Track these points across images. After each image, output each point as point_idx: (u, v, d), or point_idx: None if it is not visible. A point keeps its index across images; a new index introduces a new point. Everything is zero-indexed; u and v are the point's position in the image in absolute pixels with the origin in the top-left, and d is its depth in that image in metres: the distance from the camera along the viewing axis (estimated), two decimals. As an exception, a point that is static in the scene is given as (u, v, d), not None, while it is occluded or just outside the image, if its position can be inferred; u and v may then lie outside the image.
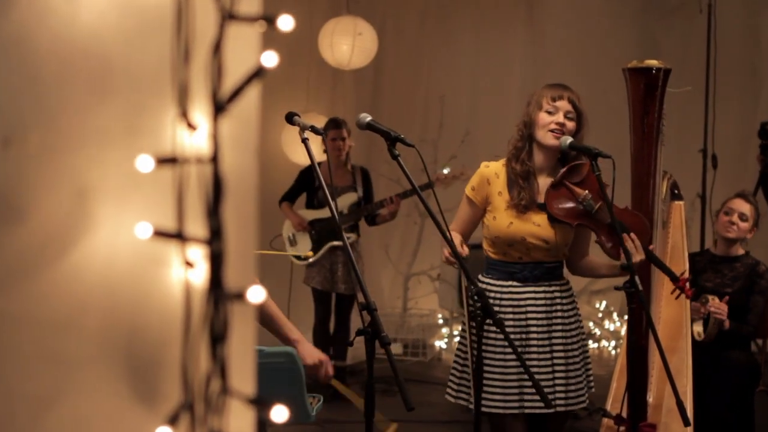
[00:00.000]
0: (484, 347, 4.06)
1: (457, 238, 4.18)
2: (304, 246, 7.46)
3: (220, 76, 1.24)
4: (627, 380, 4.17)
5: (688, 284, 4.52)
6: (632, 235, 4.04)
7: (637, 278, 3.91)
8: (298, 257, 7.49)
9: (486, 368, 4.06)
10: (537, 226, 4.11)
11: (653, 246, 4.40)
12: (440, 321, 9.64)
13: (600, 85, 7.96)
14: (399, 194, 7.34)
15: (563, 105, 4.09)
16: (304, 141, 3.52)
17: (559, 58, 9.77)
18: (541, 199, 4.14)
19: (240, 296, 1.23)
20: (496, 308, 4.07)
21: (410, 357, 9.16)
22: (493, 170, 4.21)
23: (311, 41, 8.63)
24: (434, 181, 7.30)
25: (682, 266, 5.18)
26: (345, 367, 7.76)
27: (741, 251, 5.68)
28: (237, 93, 1.25)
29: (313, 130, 3.54)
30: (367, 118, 3.60)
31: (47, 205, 1.41)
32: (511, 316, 4.12)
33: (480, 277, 4.25)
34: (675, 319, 5.02)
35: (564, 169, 4.10)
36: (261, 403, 1.25)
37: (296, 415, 3.19)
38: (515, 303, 4.15)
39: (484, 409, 4.04)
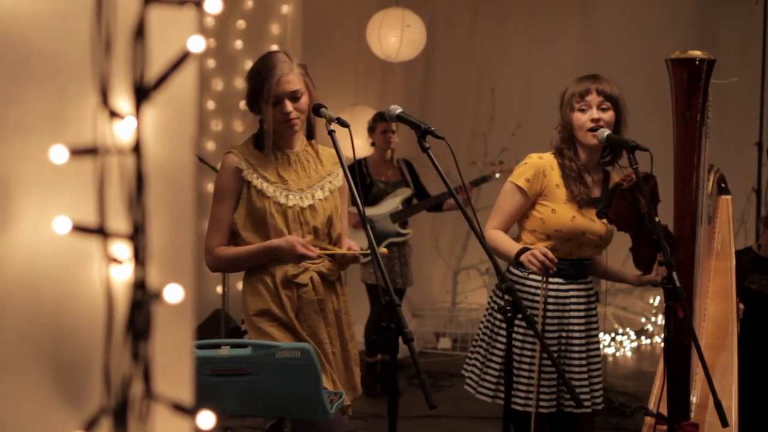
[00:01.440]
0: (521, 345, 4.04)
1: (504, 237, 4.09)
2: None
3: (142, 62, 1.18)
4: (663, 378, 4.07)
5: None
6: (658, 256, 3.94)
7: (675, 275, 3.81)
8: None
9: (523, 366, 4.04)
10: (592, 221, 4.06)
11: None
12: (490, 316, 9.57)
13: (655, 78, 7.80)
14: (471, 182, 7.30)
15: (593, 99, 4.02)
16: (331, 133, 3.48)
17: (613, 49, 9.67)
18: (594, 194, 4.09)
19: (160, 295, 1.17)
20: (541, 305, 4.02)
21: (459, 351, 9.11)
22: (547, 162, 4.12)
23: (360, 33, 8.60)
24: (491, 174, 7.29)
25: (729, 261, 5.07)
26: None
27: None
28: (162, 80, 1.19)
29: (339, 122, 3.50)
30: (398, 109, 3.55)
31: (-37, 200, 1.33)
32: (556, 314, 4.07)
33: (513, 269, 4.17)
34: (722, 315, 4.90)
35: (641, 176, 3.98)
36: (187, 409, 1.19)
37: (313, 411, 3.15)
38: (560, 301, 4.08)
39: (518, 407, 4.02)
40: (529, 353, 4.04)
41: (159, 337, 1.20)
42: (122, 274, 1.22)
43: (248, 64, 8.19)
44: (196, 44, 1.19)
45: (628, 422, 6.56)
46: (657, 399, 4.32)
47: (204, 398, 3.22)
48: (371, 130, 7.39)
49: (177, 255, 1.25)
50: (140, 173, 1.17)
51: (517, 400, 4.03)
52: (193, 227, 1.26)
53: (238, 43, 8.24)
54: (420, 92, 9.80)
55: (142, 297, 1.16)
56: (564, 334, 4.06)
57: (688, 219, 4.53)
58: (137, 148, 1.17)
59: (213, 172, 6.74)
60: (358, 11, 8.99)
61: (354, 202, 3.34)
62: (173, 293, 1.19)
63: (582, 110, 4.02)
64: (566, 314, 4.08)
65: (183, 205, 1.25)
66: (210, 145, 8.16)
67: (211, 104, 8.22)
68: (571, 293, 4.10)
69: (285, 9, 8.25)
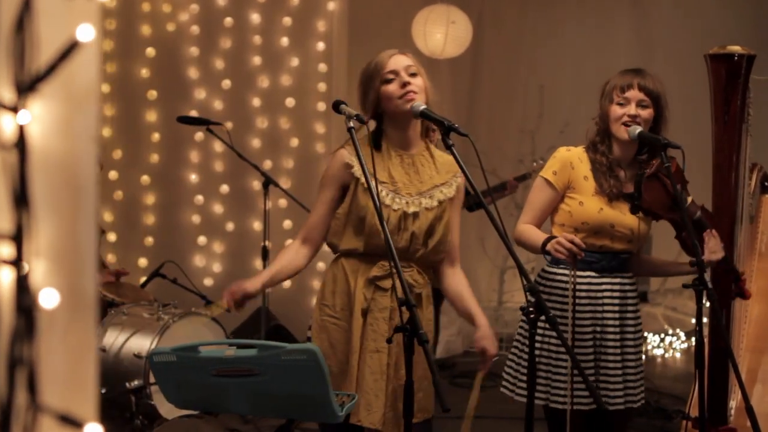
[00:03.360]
0: (556, 345, 3.99)
1: (533, 230, 4.03)
2: None
3: (29, 52, 1.12)
4: (695, 381, 3.97)
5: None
6: (713, 231, 3.89)
7: (706, 275, 3.72)
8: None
9: (554, 363, 4.00)
10: (623, 215, 3.99)
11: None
12: (536, 315, 9.48)
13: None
14: (516, 177, 7.20)
15: (634, 95, 3.94)
16: (350, 130, 3.41)
17: (665, 45, 9.55)
18: (626, 189, 4.01)
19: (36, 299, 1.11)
20: (570, 298, 3.96)
21: (504, 351, 8.98)
22: (576, 154, 4.07)
23: (405, 30, 8.53)
24: (531, 172, 7.19)
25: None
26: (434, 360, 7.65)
27: None
28: (49, 72, 1.13)
29: (358, 119, 3.43)
30: (421, 106, 3.53)
31: None
32: (588, 308, 4.00)
33: (546, 268, 4.10)
34: (764, 317, 4.77)
35: (659, 162, 3.93)
36: (75, 421, 1.13)
37: (322, 413, 3.10)
38: (592, 295, 4.01)
39: (553, 405, 4.00)
40: (564, 352, 3.96)
41: (52, 343, 1.15)
42: (7, 276, 1.16)
43: (294, 61, 8.16)
44: (86, 33, 1.13)
45: (671, 426, 6.44)
46: (692, 402, 4.22)
47: (212, 399, 3.19)
48: None
49: (75, 255, 1.19)
50: (24, 169, 1.11)
51: (558, 399, 4.00)
52: (95, 226, 1.20)
53: (284, 40, 8.21)
54: (467, 89, 9.72)
55: (26, 300, 1.11)
56: (598, 329, 4.01)
57: (726, 218, 4.43)
58: (21, 143, 1.11)
59: (256, 170, 6.71)
60: (404, 8, 8.93)
61: (372, 201, 3.26)
62: (48, 298, 1.13)
63: (620, 104, 3.95)
64: (599, 308, 4.02)
65: (82, 202, 1.19)
66: (255, 143, 8.14)
67: (256, 101, 8.19)
68: (604, 287, 4.03)
69: (331, 6, 8.22)
